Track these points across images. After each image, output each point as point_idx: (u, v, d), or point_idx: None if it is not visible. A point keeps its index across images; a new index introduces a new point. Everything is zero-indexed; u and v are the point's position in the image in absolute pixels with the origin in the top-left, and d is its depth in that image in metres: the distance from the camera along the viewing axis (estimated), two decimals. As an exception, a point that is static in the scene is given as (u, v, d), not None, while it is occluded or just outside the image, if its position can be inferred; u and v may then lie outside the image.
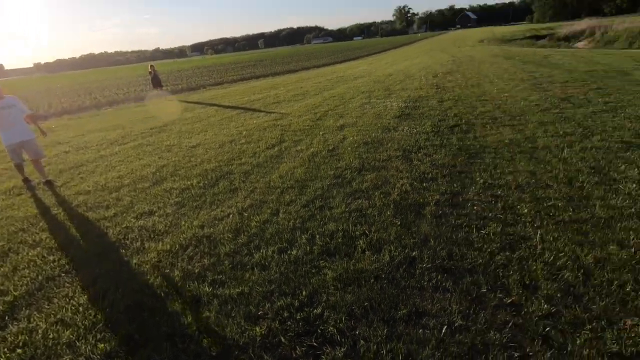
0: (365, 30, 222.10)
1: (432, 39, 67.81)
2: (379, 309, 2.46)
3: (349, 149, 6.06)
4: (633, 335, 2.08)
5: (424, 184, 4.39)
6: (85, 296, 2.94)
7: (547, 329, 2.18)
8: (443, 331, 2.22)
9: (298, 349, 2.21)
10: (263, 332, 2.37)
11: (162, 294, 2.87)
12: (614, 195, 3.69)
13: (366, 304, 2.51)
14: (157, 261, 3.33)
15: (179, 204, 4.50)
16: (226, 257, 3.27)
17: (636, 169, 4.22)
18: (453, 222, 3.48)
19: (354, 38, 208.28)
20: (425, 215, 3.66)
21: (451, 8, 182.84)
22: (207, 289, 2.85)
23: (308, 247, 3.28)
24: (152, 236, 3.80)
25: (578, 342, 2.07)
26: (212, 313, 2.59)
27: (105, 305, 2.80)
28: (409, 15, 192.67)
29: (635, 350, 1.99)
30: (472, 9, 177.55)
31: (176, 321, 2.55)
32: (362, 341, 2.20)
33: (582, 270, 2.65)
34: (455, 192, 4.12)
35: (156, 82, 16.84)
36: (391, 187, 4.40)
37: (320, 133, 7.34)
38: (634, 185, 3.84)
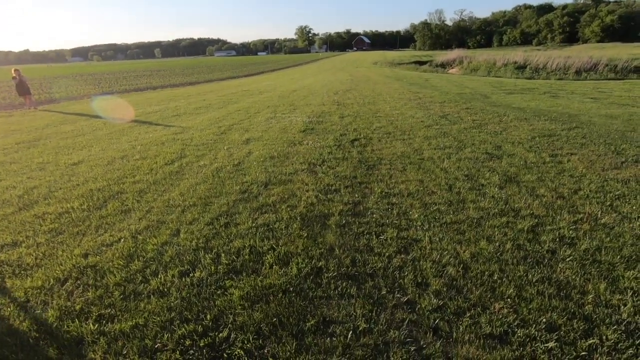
0: (270, 46, 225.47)
1: (333, 58, 72.11)
2: (287, 324, 2.45)
3: (255, 163, 6.00)
4: (500, 316, 2.46)
5: (329, 196, 4.58)
6: None
7: (437, 321, 2.44)
8: (349, 337, 2.31)
9: (202, 379, 2.05)
10: (162, 366, 2.14)
11: (31, 341, 2.39)
12: (482, 198, 4.36)
13: (275, 319, 2.48)
14: (24, 301, 2.78)
15: (55, 230, 3.85)
16: (116, 288, 2.89)
17: (497, 176, 5.07)
18: (355, 230, 3.69)
19: (258, 53, 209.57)
20: (330, 225, 3.80)
21: (348, 32, 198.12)
22: (92, 327, 2.47)
23: (213, 267, 3.11)
24: (17, 272, 3.16)
25: (461, 329, 2.36)
26: (97, 354, 2.25)
27: (-55, 366, 2.21)
28: (310, 35, 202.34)
29: (502, 329, 2.35)
30: (366, 34, 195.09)
31: (50, 371, 2.14)
32: (270, 359, 2.15)
33: (462, 265, 3.05)
34: (357, 202, 4.38)
35: (22, 89, 14.33)
36: (297, 200, 4.47)
37: (225, 147, 7.11)
38: (496, 189, 4.60)
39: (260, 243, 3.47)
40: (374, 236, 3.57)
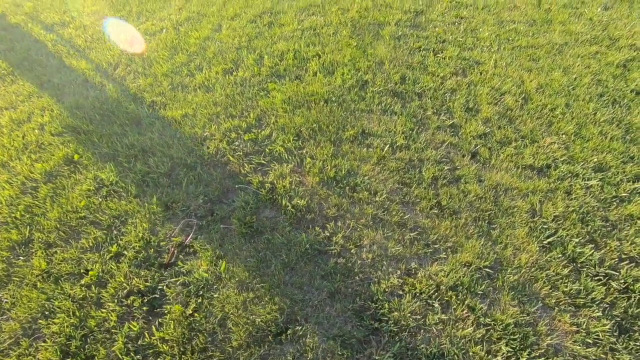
0: None
1: None
2: (326, 131, 2.49)
3: None
4: (548, 151, 2.34)
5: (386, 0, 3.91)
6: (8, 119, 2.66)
7: (478, 147, 2.37)
8: (385, 149, 2.35)
9: (247, 166, 2.28)
10: (211, 152, 2.37)
11: (97, 116, 2.66)
12: (575, 20, 3.55)
13: (315, 125, 2.52)
14: (84, 80, 2.96)
15: (99, 13, 3.74)
16: (164, 78, 2.96)
17: (607, -8, 3.98)
18: (411, 44, 3.28)
19: None
20: (383, 36, 3.38)
21: None
22: (147, 111, 2.67)
23: (256, 68, 3.02)
24: (70, 52, 3.26)
25: (501, 157, 2.31)
26: (154, 134, 2.50)
27: (37, 130, 2.58)
28: None
29: (545, 163, 2.27)
30: None
31: (117, 142, 2.45)
32: (308, 159, 2.30)
33: (523, 95, 2.75)
34: (419, 11, 3.75)
35: None
36: (350, 1, 3.88)
37: None
38: (598, 10, 3.69)
39: (305, 48, 3.22)
40: (431, 53, 3.18)
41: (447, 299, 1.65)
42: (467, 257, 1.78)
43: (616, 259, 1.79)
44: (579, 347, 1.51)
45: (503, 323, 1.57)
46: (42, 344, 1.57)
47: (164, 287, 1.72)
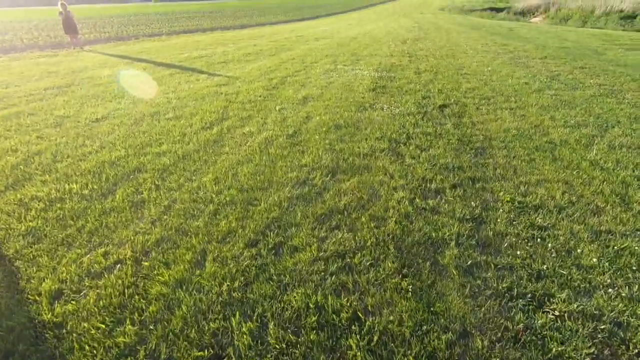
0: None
1: (392, 3, 65.69)
2: None
3: (316, 134, 4.47)
4: None
5: (430, 202, 2.99)
6: None
7: None
8: None
9: None
10: None
11: None
12: None
13: None
14: None
15: (33, 236, 2.67)
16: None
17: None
18: (496, 285, 2.14)
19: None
20: (447, 268, 2.27)
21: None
22: None
23: None
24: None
25: None
26: None
27: None
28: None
29: None
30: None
31: None
32: None
33: None
34: (478, 219, 2.78)
35: (69, 27, 13.48)
36: (383, 205, 2.94)
37: (277, 107, 5.61)
38: None
39: (334, 301, 2.03)
40: (534, 305, 2.00)
41: None
42: None
43: None
44: None
45: None
46: None
47: None
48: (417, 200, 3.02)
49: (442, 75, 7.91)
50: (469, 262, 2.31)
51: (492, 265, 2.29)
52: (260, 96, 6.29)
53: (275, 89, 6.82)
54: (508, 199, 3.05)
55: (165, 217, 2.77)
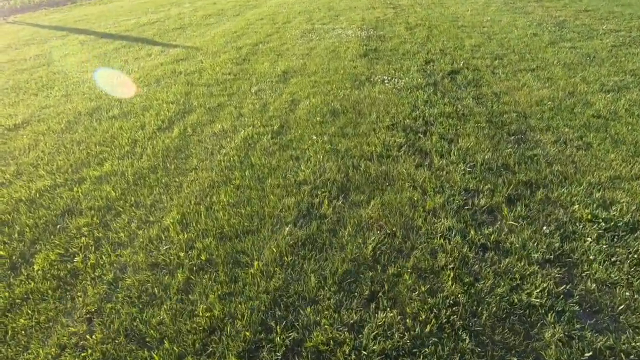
0: None
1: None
2: None
3: (309, 128, 3.45)
4: None
5: (486, 230, 2.14)
6: None
7: None
8: None
9: None
10: None
11: None
12: None
13: None
14: None
15: None
16: None
17: None
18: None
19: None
20: (558, 371, 1.47)
21: None
22: None
23: None
24: None
25: None
26: None
27: None
28: None
29: None
30: None
31: None
32: None
33: None
34: (562, 259, 1.97)
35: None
36: (426, 247, 2.07)
37: (253, 90, 4.48)
38: None
39: None
40: None
41: None
42: None
43: None
44: None
45: None
46: None
47: None
48: (471, 231, 2.16)
49: (437, 30, 6.81)
50: (587, 355, 1.51)
51: (622, 354, 1.50)
52: (229, 74, 5.09)
53: (247, 61, 5.59)
54: (589, 216, 2.24)
55: (108, 306, 1.80)
